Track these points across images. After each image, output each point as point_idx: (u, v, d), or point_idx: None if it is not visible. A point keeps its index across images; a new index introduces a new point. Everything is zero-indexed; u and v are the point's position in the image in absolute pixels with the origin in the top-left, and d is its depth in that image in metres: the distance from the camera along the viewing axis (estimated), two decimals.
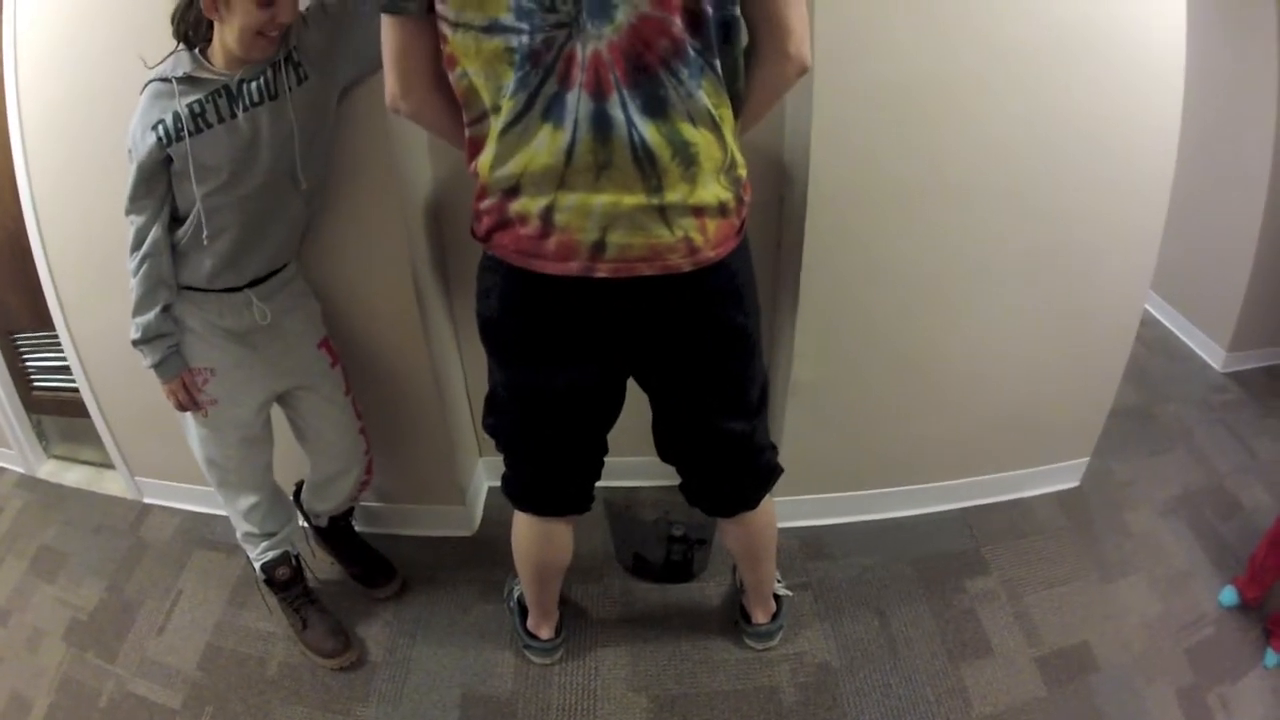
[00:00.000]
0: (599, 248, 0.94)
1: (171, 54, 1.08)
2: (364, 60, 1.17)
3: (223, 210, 1.12)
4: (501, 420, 1.19)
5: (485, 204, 0.98)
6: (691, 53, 0.88)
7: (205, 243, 1.12)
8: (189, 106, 1.05)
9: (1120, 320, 1.67)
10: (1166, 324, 2.53)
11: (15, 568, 1.74)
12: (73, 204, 1.49)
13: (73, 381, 1.79)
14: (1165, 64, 1.38)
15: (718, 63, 0.91)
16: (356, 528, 1.67)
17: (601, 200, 0.92)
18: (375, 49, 0.96)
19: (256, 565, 1.48)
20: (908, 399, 1.65)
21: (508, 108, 0.89)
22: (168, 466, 1.81)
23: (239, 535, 1.48)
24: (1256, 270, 2.14)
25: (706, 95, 0.91)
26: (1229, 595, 1.59)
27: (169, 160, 1.07)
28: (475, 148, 0.96)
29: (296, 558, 1.51)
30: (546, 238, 0.95)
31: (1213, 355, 2.35)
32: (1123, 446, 1.97)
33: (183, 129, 1.05)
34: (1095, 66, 1.34)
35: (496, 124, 0.91)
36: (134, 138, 1.06)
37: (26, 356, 1.94)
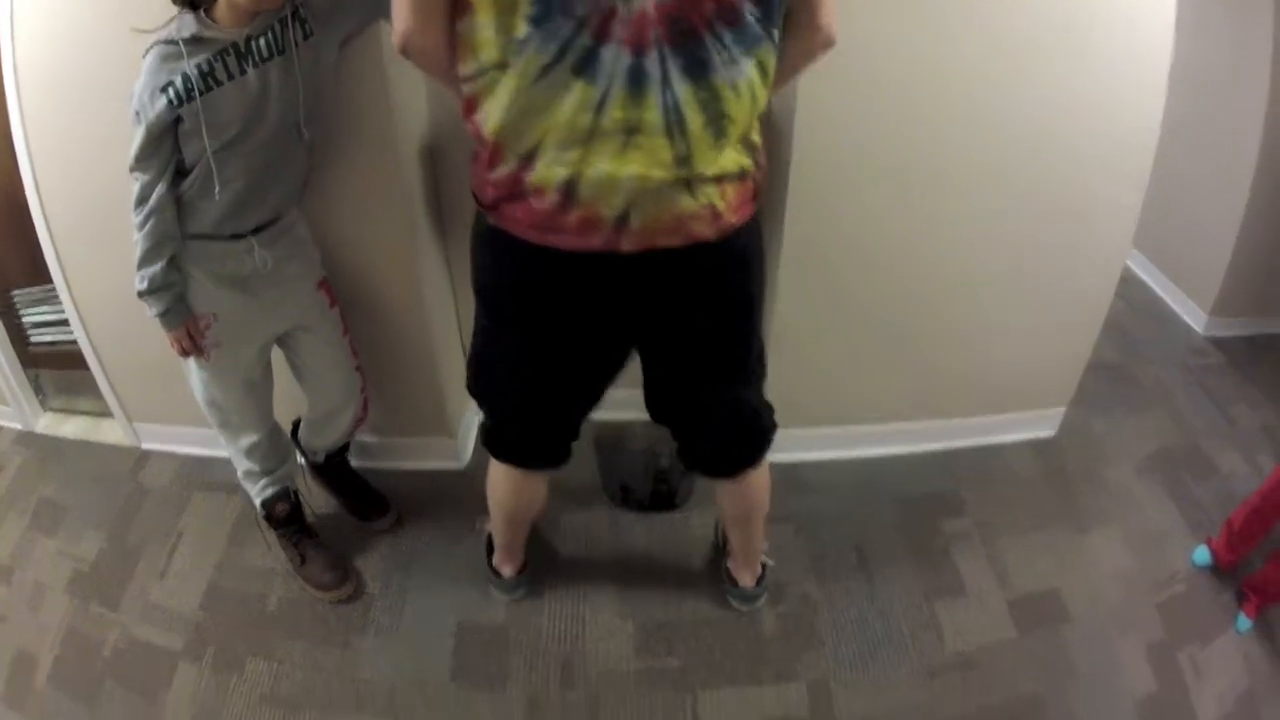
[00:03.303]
0: (622, 221, 0.91)
1: (173, 18, 1.10)
2: (366, 11, 1.20)
3: (231, 163, 1.15)
4: (489, 384, 1.19)
5: (496, 173, 0.93)
6: (749, 19, 0.86)
7: (216, 195, 1.15)
8: (198, 67, 1.07)
9: (1101, 274, 1.70)
10: (1151, 285, 2.56)
11: (16, 524, 1.77)
12: (70, 158, 1.51)
13: (69, 334, 1.82)
14: (1155, 22, 1.39)
15: (776, 32, 0.89)
16: (352, 463, 1.72)
17: (629, 173, 0.88)
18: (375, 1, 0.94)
19: (256, 502, 1.53)
20: (889, 340, 1.70)
21: (531, 62, 0.84)
22: (166, 411, 1.85)
23: (239, 474, 1.52)
24: (1242, 238, 2.17)
25: (754, 64, 0.89)
26: (1202, 555, 1.61)
27: (178, 120, 1.10)
28: (472, 105, 0.91)
29: (295, 494, 1.56)
30: (566, 212, 0.91)
31: (1195, 319, 2.38)
32: (1101, 401, 2.01)
33: (193, 89, 1.07)
34: (1083, 23, 1.36)
35: (511, 79, 0.86)
36: (141, 101, 1.08)
37: (23, 312, 1.96)
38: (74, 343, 1.82)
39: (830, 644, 1.46)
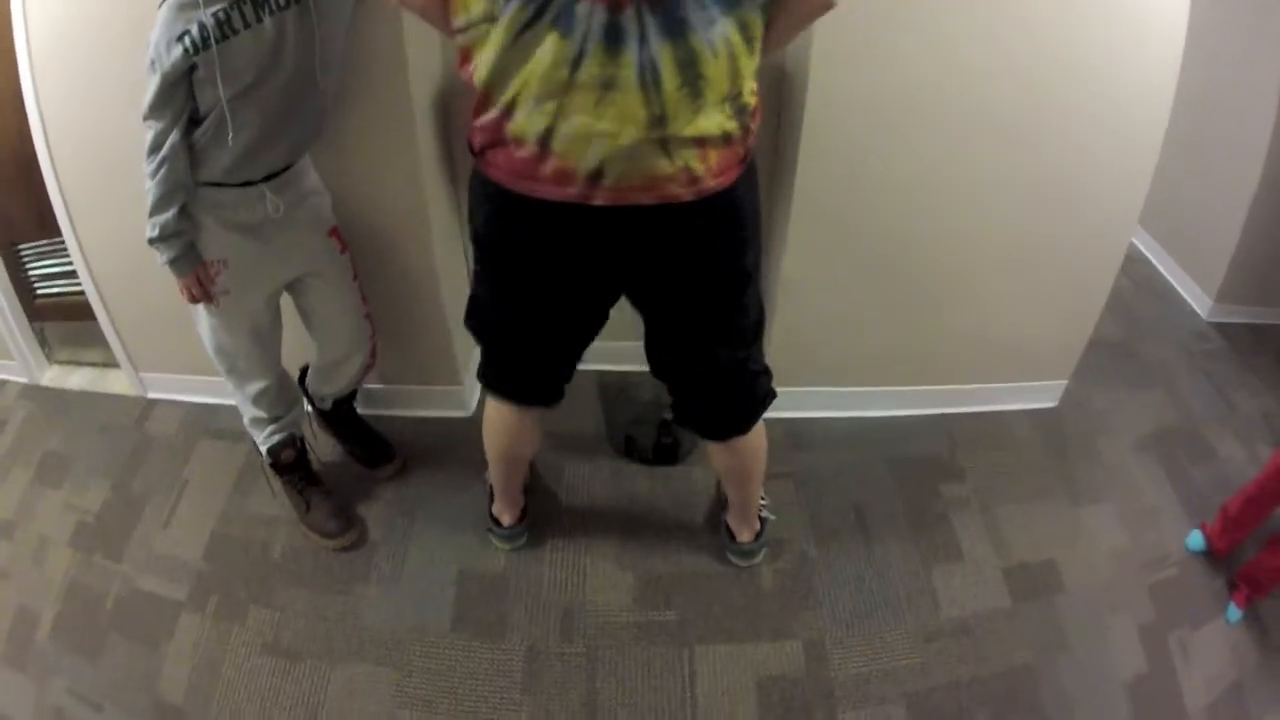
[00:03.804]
0: (596, 175, 0.93)
1: None
2: None
3: (245, 110, 1.15)
4: (483, 321, 1.22)
5: (483, 119, 0.96)
6: None
7: (230, 141, 1.15)
8: (214, 15, 1.07)
9: (1106, 249, 1.70)
10: (1157, 265, 2.56)
11: (21, 478, 1.78)
12: (79, 108, 1.51)
13: (76, 285, 1.82)
14: (1169, 3, 1.38)
15: None
16: (358, 410, 1.73)
17: (601, 129, 0.90)
18: None
19: (263, 449, 1.54)
20: (894, 302, 1.70)
21: (515, 18, 0.86)
22: (172, 360, 1.85)
23: (246, 420, 1.53)
24: (1249, 225, 2.16)
25: (735, 24, 0.88)
26: (1196, 539, 1.61)
27: (193, 69, 1.09)
28: (466, 55, 0.94)
29: (301, 440, 1.57)
30: (543, 162, 0.94)
31: (1199, 303, 2.39)
32: (1102, 377, 2.02)
33: (209, 38, 1.07)
34: (1107, 20, 1.36)
35: (497, 33, 0.88)
36: (157, 50, 1.08)
37: (29, 265, 1.96)
38: (80, 294, 1.83)
39: (827, 603, 1.47)
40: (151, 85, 1.10)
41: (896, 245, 1.62)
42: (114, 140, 1.46)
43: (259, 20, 1.10)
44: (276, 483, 1.60)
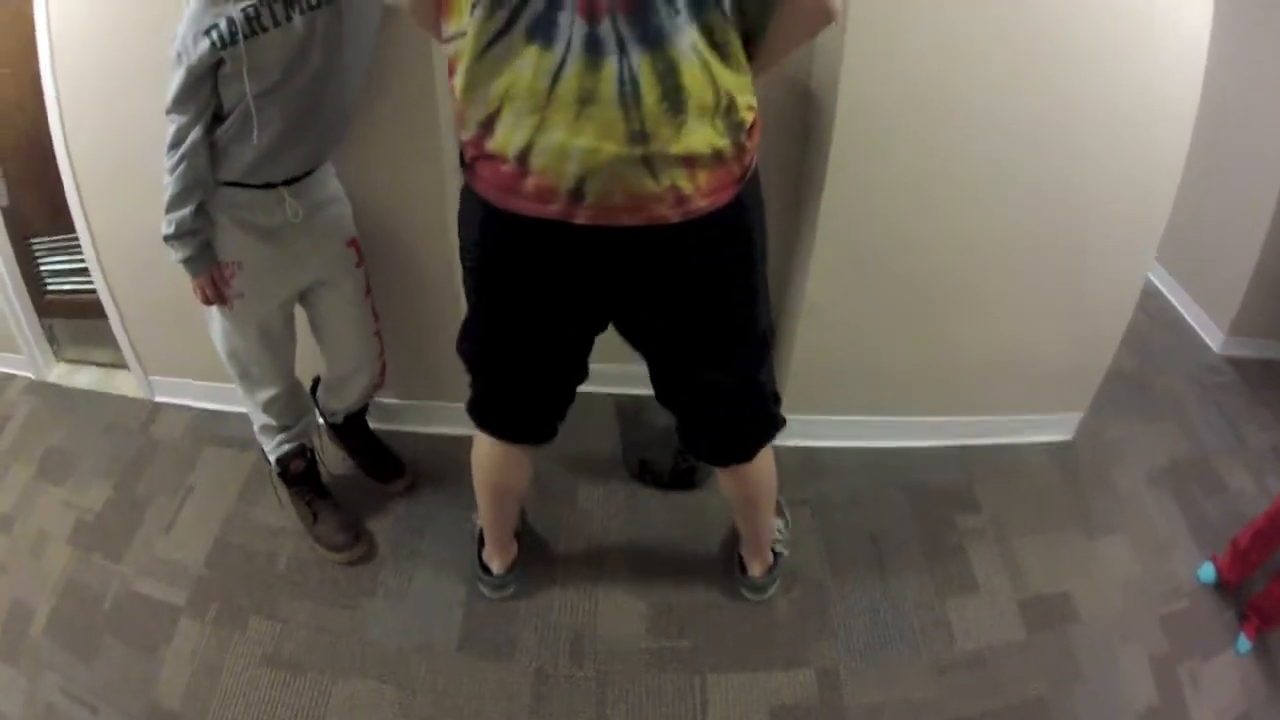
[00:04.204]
0: (577, 193, 0.90)
1: None
2: None
3: (270, 108, 1.14)
4: (473, 348, 1.18)
5: (465, 135, 0.94)
6: None
7: (254, 139, 1.14)
8: (243, 10, 1.06)
9: (1123, 283, 1.70)
10: (1170, 297, 2.56)
11: (22, 472, 1.76)
12: (98, 101, 1.50)
13: (87, 283, 1.81)
14: (1189, 39, 1.39)
15: None
16: (371, 424, 1.71)
17: (579, 144, 0.86)
18: None
19: (272, 458, 1.52)
20: (915, 330, 1.70)
21: (483, 28, 0.84)
22: (182, 363, 1.84)
23: (256, 428, 1.51)
24: (1264, 258, 2.16)
25: (711, 30, 0.85)
26: (1207, 572, 1.61)
27: (219, 63, 1.09)
28: (452, 67, 0.91)
29: (311, 451, 1.55)
30: (524, 178, 0.90)
31: (1212, 336, 2.38)
32: (1116, 409, 2.01)
33: (238, 33, 1.06)
34: (1122, 34, 1.36)
35: (467, 46, 0.86)
36: (184, 42, 1.07)
37: (41, 260, 1.95)
38: (91, 292, 1.81)
39: (842, 633, 1.45)
40: (176, 78, 1.09)
41: (919, 272, 1.61)
42: (132, 136, 1.45)
43: (288, 19, 1.09)
44: (284, 493, 1.58)
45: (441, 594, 1.48)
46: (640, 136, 0.87)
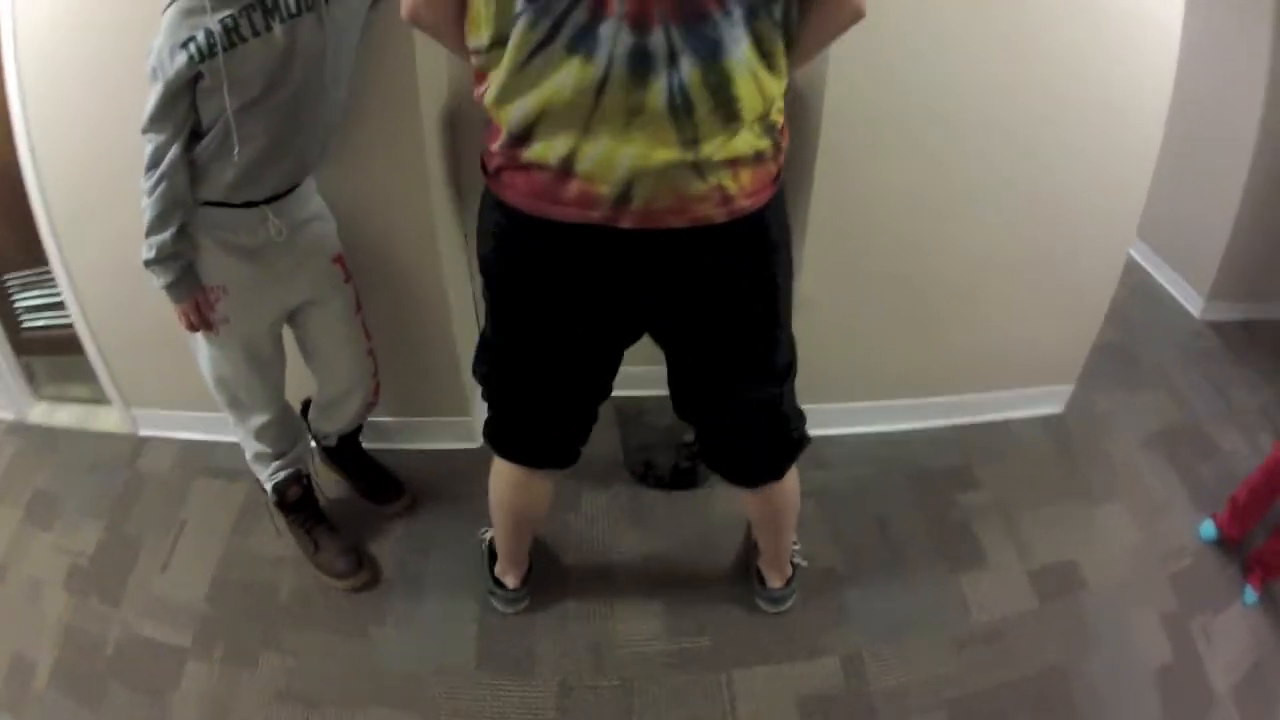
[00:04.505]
0: (624, 197, 0.87)
1: None
2: None
3: (250, 123, 1.11)
4: (493, 369, 1.13)
5: (497, 145, 0.91)
6: None
7: (235, 156, 1.11)
8: (222, 22, 1.03)
9: (1107, 257, 1.74)
10: (1148, 268, 2.61)
11: (9, 518, 1.69)
12: (70, 129, 1.45)
13: (64, 317, 1.75)
14: (1163, 21, 1.43)
15: (777, 6, 0.84)
16: (364, 445, 1.68)
17: (630, 152, 0.84)
18: None
19: (268, 486, 1.48)
20: (905, 316, 1.72)
21: (525, 39, 0.81)
22: (165, 394, 1.78)
23: (249, 457, 1.47)
24: (1239, 224, 2.21)
25: (761, 39, 0.84)
26: (1208, 529, 1.65)
27: (198, 78, 1.05)
28: (481, 79, 0.90)
29: (307, 477, 1.52)
30: (565, 184, 0.88)
31: (1192, 303, 2.43)
32: (1104, 381, 2.04)
33: (216, 45, 1.03)
34: (1097, 14, 1.39)
35: (507, 57, 0.83)
36: (160, 58, 1.04)
37: (15, 296, 1.88)
38: (68, 327, 1.75)
39: (859, 618, 1.46)
40: (153, 95, 1.06)
41: (908, 260, 1.63)
42: (105, 160, 1.40)
43: (269, 28, 1.06)
44: (281, 521, 1.54)
45: (453, 613, 1.45)
46: (693, 143, 0.86)
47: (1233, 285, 2.34)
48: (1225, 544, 1.63)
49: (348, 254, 1.41)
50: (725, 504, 1.66)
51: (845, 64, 1.34)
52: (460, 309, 1.66)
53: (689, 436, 1.63)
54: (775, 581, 1.43)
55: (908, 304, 1.70)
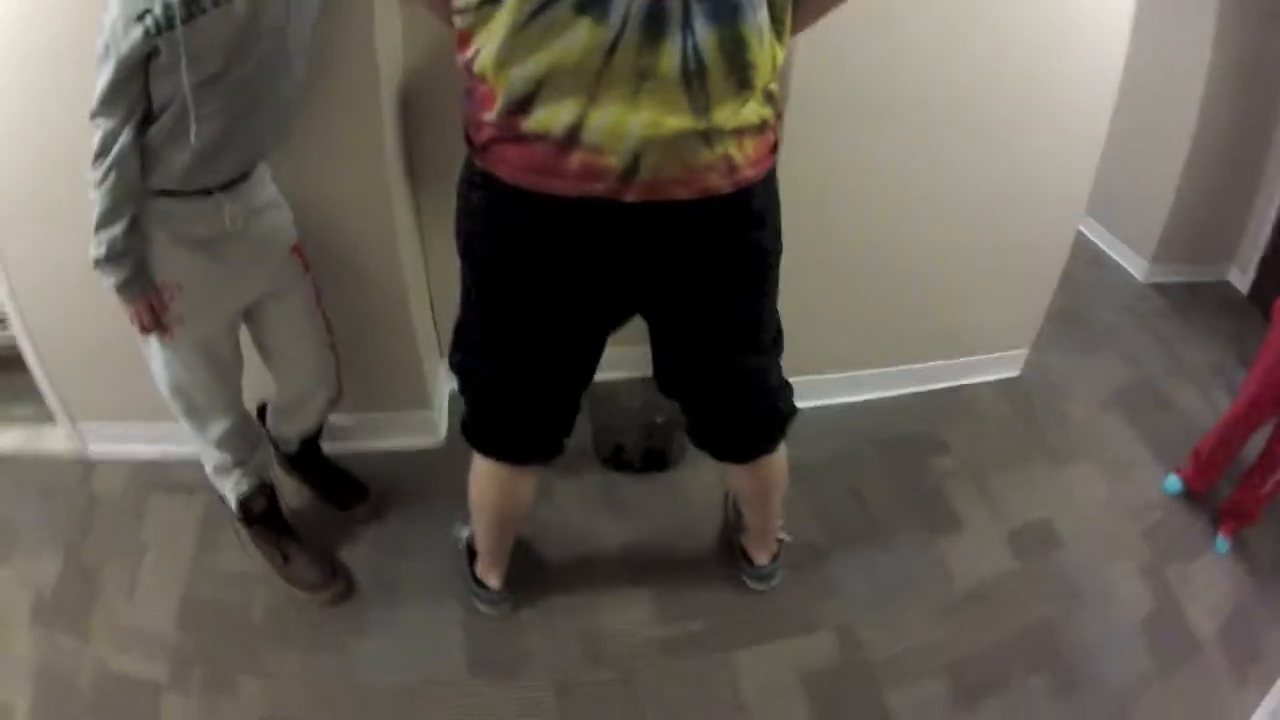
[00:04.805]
0: (631, 169, 0.83)
1: None
2: None
3: (210, 101, 1.03)
4: (473, 359, 1.07)
5: (491, 114, 0.84)
6: None
7: (192, 138, 1.04)
8: None
9: (1058, 230, 1.82)
10: (1092, 237, 2.73)
11: None
12: (4, 126, 1.32)
13: (3, 330, 1.62)
14: (1115, 3, 1.49)
15: None
16: (323, 447, 1.60)
17: (639, 120, 0.81)
18: None
19: (231, 499, 1.40)
20: (864, 288, 1.76)
21: None
22: (115, 408, 1.67)
23: (209, 469, 1.39)
24: (1180, 193, 2.34)
25: (774, 5, 0.82)
26: (1173, 484, 1.71)
27: (153, 54, 0.98)
28: (465, 39, 0.84)
29: (272, 487, 1.44)
30: (567, 155, 0.83)
31: (1136, 267, 2.56)
32: (1057, 346, 2.11)
33: (174, 17, 0.95)
34: (1056, 8, 1.45)
35: (503, 15, 0.78)
36: (114, 32, 0.96)
37: None
38: (11, 343, 1.62)
39: (847, 590, 1.47)
40: (104, 74, 0.98)
41: (864, 232, 1.67)
42: (46, 157, 1.30)
43: (228, 0, 0.99)
44: (246, 535, 1.46)
45: (436, 619, 1.40)
46: (704, 111, 0.83)
47: (1176, 250, 2.47)
48: (1191, 496, 1.70)
49: (303, 242, 1.34)
50: (699, 484, 1.65)
51: (809, 51, 1.36)
52: (417, 297, 1.60)
53: (659, 418, 1.64)
54: (762, 558, 1.42)
55: (868, 279, 1.73)
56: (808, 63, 1.38)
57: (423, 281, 1.67)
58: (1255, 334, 1.72)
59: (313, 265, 1.36)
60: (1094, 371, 2.08)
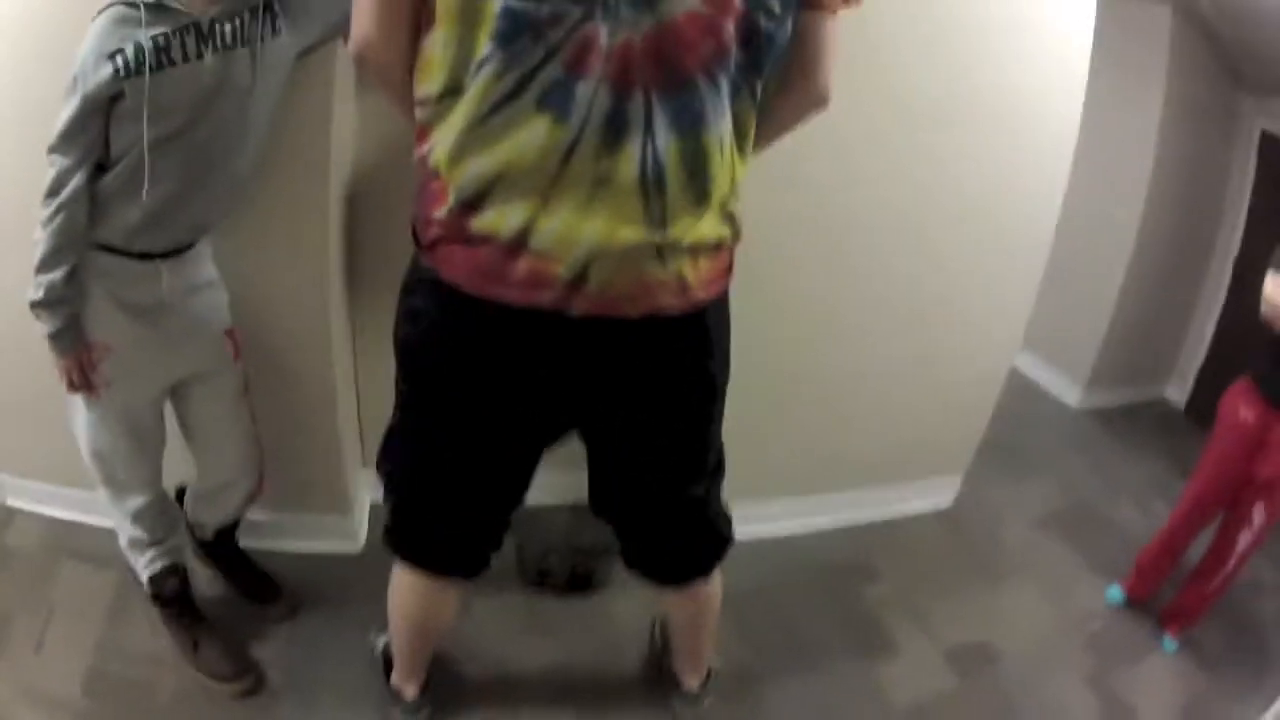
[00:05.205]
0: (578, 280, 0.81)
1: None
2: (333, 23, 1.15)
3: (166, 159, 1.05)
4: (402, 467, 1.03)
5: (440, 212, 0.82)
6: (734, 67, 0.79)
7: (144, 195, 1.04)
8: (154, 39, 0.98)
9: (995, 360, 1.87)
10: (1023, 368, 2.77)
11: None
12: None
13: None
14: (1061, 138, 1.59)
15: (759, 85, 0.82)
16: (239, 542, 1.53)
17: (591, 229, 0.78)
18: (346, 8, 0.86)
19: (144, 576, 1.33)
20: (798, 415, 1.74)
21: (488, 89, 0.75)
22: (35, 465, 1.60)
23: (124, 542, 1.32)
24: (1116, 316, 2.43)
25: (738, 118, 0.81)
26: (1114, 593, 1.75)
27: (117, 97, 0.99)
28: (423, 133, 0.83)
29: (185, 570, 1.37)
30: (513, 261, 0.81)
31: (1069, 395, 2.63)
32: (992, 473, 2.11)
33: (144, 62, 0.98)
34: (999, 137, 1.54)
35: (463, 108, 0.77)
36: (84, 65, 0.98)
37: None
38: None
39: (778, 716, 1.42)
40: (68, 109, 0.99)
41: (799, 359, 1.66)
42: None
43: (199, 56, 1.01)
44: (157, 615, 1.38)
45: None
46: (660, 223, 0.81)
47: (1111, 373, 2.55)
48: (1133, 604, 1.73)
49: (236, 330, 1.33)
50: (626, 607, 1.60)
51: (755, 167, 1.40)
52: (345, 401, 1.58)
53: (586, 540, 1.59)
54: (692, 683, 1.36)
55: (800, 403, 1.72)
56: (749, 183, 1.40)
57: (351, 385, 1.64)
58: (1193, 448, 1.75)
59: (243, 354, 1.34)
60: (1029, 496, 2.11)
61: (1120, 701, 1.49)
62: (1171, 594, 1.68)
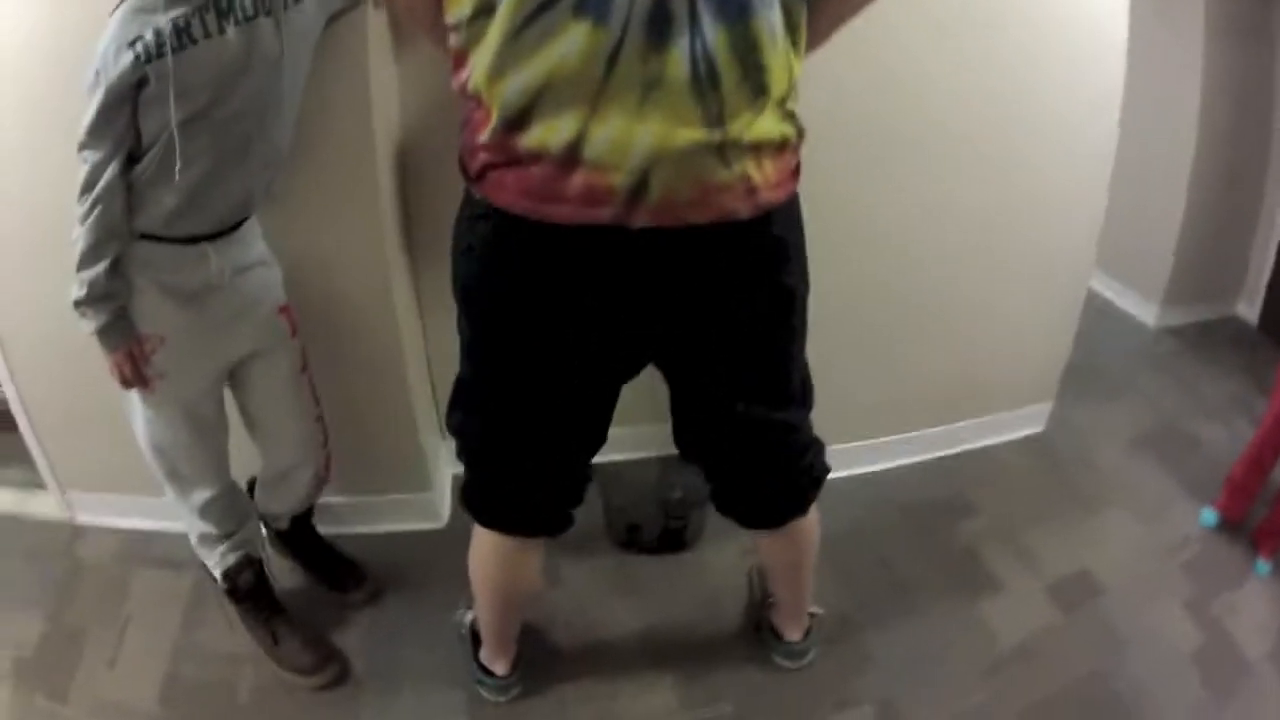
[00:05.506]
0: (639, 190, 0.76)
1: None
2: None
3: (197, 138, 1.02)
4: (473, 419, 0.99)
5: (485, 135, 0.79)
6: None
7: (176, 175, 1.02)
8: (173, 21, 0.96)
9: (1074, 275, 1.80)
10: (1099, 288, 2.68)
11: None
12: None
13: None
14: (1109, 46, 1.52)
15: None
16: (317, 527, 1.51)
17: (647, 132, 0.74)
18: None
19: (217, 573, 1.31)
20: (880, 352, 1.71)
21: (523, 1, 0.72)
22: (104, 479, 1.60)
23: (194, 540, 1.31)
24: (1185, 230, 2.33)
25: (785, 11, 0.77)
26: (1208, 516, 1.69)
27: (142, 84, 0.97)
28: (460, 60, 0.79)
29: (260, 562, 1.35)
30: (568, 176, 0.77)
31: (1146, 313, 2.52)
32: (1077, 397, 2.05)
33: (165, 45, 0.95)
34: (1053, 54, 1.48)
35: (497, 25, 0.73)
36: (105, 59, 0.96)
37: None
38: (4, 406, 1.57)
39: (884, 661, 1.36)
40: (93, 104, 0.97)
41: (881, 295, 1.64)
42: (40, 213, 1.28)
43: (221, 31, 0.98)
44: (234, 612, 1.37)
45: (437, 708, 1.28)
46: (718, 120, 0.76)
47: (1185, 290, 2.44)
48: (1228, 525, 1.67)
49: (292, 306, 1.30)
50: (720, 562, 1.54)
51: (814, 86, 1.34)
52: (416, 371, 1.53)
53: (676, 494, 1.53)
54: (794, 634, 1.31)
55: (885, 342, 1.69)
56: (810, 107, 1.36)
57: (421, 354, 1.60)
58: (1270, 362, 1.71)
59: (303, 332, 1.30)
60: (1117, 419, 2.04)
61: (1218, 627, 1.44)
62: (1264, 512, 1.61)
